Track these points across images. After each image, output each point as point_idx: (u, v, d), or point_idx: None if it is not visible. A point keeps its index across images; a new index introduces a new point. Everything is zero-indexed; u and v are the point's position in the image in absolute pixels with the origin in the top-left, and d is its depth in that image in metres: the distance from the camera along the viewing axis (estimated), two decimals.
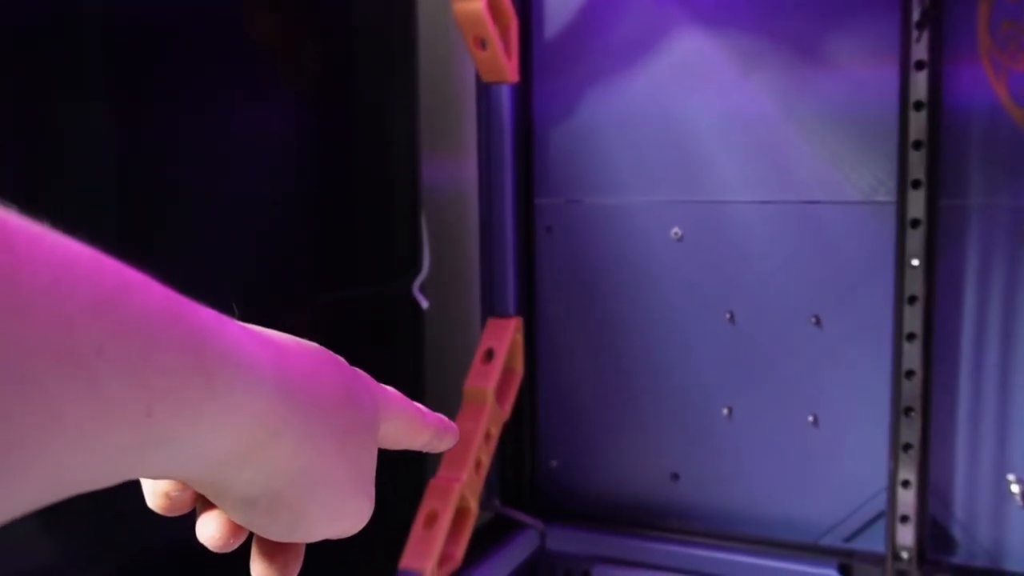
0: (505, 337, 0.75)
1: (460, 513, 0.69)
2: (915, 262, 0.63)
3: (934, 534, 0.67)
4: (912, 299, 0.64)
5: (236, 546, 0.29)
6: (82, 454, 0.18)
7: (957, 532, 0.67)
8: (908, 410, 0.65)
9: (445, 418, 0.34)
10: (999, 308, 0.64)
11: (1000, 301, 0.64)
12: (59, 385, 0.16)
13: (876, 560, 0.67)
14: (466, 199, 0.88)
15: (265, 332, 0.26)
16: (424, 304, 0.76)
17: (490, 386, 0.72)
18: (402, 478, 0.82)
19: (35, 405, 0.16)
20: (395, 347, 0.84)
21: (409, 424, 0.32)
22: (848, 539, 0.70)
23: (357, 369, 0.31)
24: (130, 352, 0.18)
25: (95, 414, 0.17)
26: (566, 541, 0.76)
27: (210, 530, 0.28)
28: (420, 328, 0.84)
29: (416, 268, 0.80)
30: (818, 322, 0.69)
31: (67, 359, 0.17)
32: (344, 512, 0.29)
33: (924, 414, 0.64)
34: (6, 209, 0.16)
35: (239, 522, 0.28)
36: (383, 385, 0.32)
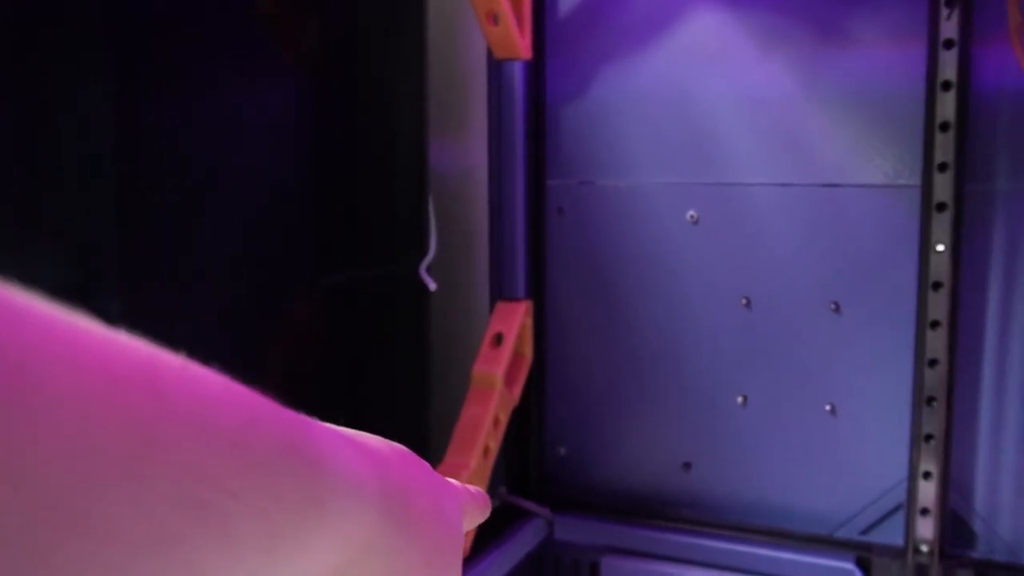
0: (514, 321, 0.73)
1: None
2: (940, 247, 0.61)
3: (954, 528, 0.65)
4: (937, 285, 0.62)
5: None
6: None
7: (978, 526, 0.65)
8: (930, 400, 0.63)
9: (482, 491, 0.33)
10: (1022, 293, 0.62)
11: None
12: (195, 533, 0.16)
13: (895, 553, 0.65)
14: (475, 180, 0.86)
15: (363, 440, 0.25)
16: (431, 286, 0.74)
17: (499, 371, 0.70)
18: None
19: (175, 560, 0.16)
20: (401, 331, 0.82)
21: (473, 513, 0.32)
22: (865, 532, 0.68)
23: (436, 473, 0.30)
24: (257, 491, 0.18)
25: (225, 560, 0.17)
26: (574, 531, 0.75)
27: None
28: (427, 311, 0.82)
29: (423, 250, 0.78)
30: (837, 308, 0.67)
31: (201, 507, 0.16)
32: None
33: (947, 404, 0.62)
34: (148, 343, 0.16)
35: None
36: (451, 480, 0.31)
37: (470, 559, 0.68)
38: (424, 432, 0.82)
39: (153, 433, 0.15)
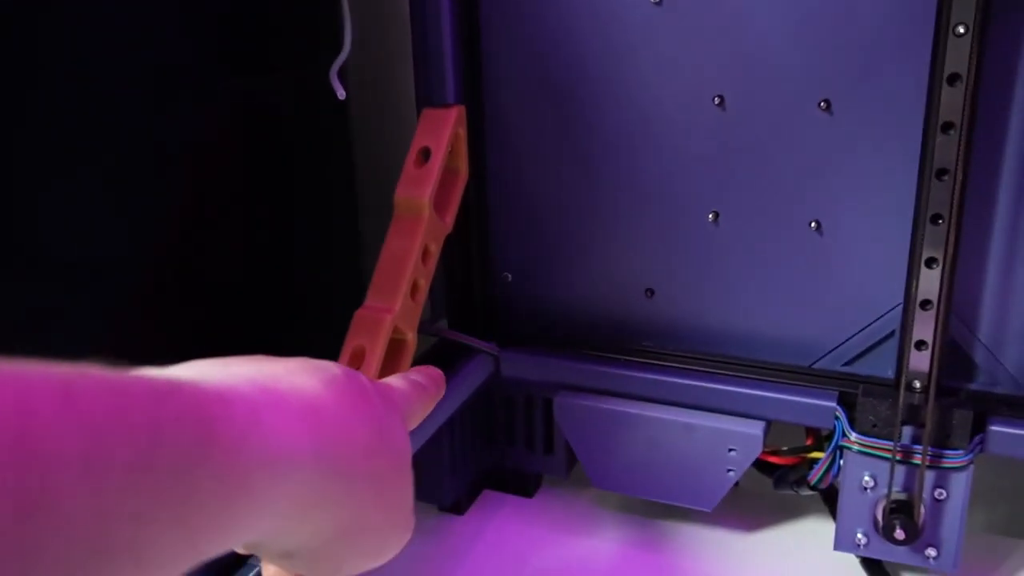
0: (443, 132, 0.61)
1: (394, 347, 0.58)
2: (961, 29, 0.49)
3: (952, 359, 0.57)
4: (954, 78, 0.50)
5: None
6: None
7: (979, 357, 0.57)
8: (936, 217, 0.52)
9: (432, 370, 0.35)
10: None
11: None
12: (105, 570, 0.15)
13: (883, 389, 0.57)
14: None
15: (289, 388, 0.24)
16: (340, 93, 0.61)
17: (426, 194, 0.59)
18: (338, 309, 0.71)
19: None
20: (318, 149, 0.70)
21: (422, 407, 0.33)
22: (849, 363, 0.60)
23: (377, 383, 0.30)
24: (171, 504, 0.17)
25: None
26: (524, 367, 0.67)
27: (269, 573, 0.29)
28: (346, 125, 0.70)
29: (336, 49, 0.65)
30: (828, 107, 0.55)
31: (105, 548, 0.15)
32: (384, 548, 0.29)
33: (956, 223, 0.52)
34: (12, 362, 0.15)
35: (280, 568, 0.28)
36: (389, 384, 0.32)
37: None
38: (356, 271, 0.72)
39: (32, 495, 0.14)
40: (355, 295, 0.61)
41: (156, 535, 0.17)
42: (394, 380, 0.34)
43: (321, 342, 0.68)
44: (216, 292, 0.62)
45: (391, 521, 0.28)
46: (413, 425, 0.34)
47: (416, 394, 0.33)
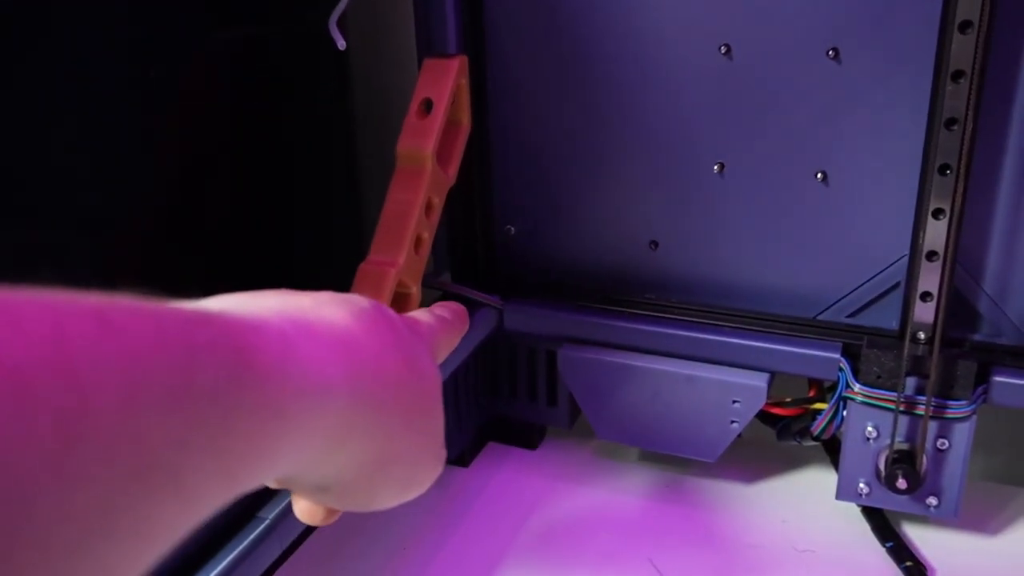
0: (446, 83, 0.60)
1: (399, 300, 0.58)
2: None
3: (957, 310, 0.57)
4: (965, 25, 0.49)
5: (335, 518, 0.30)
6: (166, 533, 0.17)
7: (984, 308, 0.57)
8: (944, 168, 0.52)
9: (456, 305, 0.35)
10: None
11: None
12: (144, 500, 0.15)
13: (888, 341, 0.57)
14: None
15: (322, 319, 0.24)
16: (340, 44, 0.60)
17: (429, 146, 0.59)
18: (336, 261, 0.71)
19: (123, 534, 0.15)
20: (317, 101, 0.69)
21: (448, 341, 0.33)
22: (853, 315, 0.60)
23: (404, 316, 0.29)
24: (209, 430, 0.17)
25: (183, 511, 0.17)
26: (528, 320, 0.66)
27: (300, 508, 0.29)
28: (345, 75, 0.69)
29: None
30: (836, 55, 0.54)
31: (145, 473, 0.15)
32: (416, 479, 0.29)
33: (965, 173, 0.51)
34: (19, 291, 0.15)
35: (313, 502, 0.28)
36: (416, 317, 0.31)
37: None
38: (356, 225, 0.72)
39: (74, 420, 0.14)
40: (356, 248, 0.60)
41: (195, 463, 0.17)
42: (420, 314, 0.33)
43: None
44: (213, 246, 0.61)
45: (423, 452, 0.28)
46: (441, 358, 0.33)
47: (442, 327, 0.33)
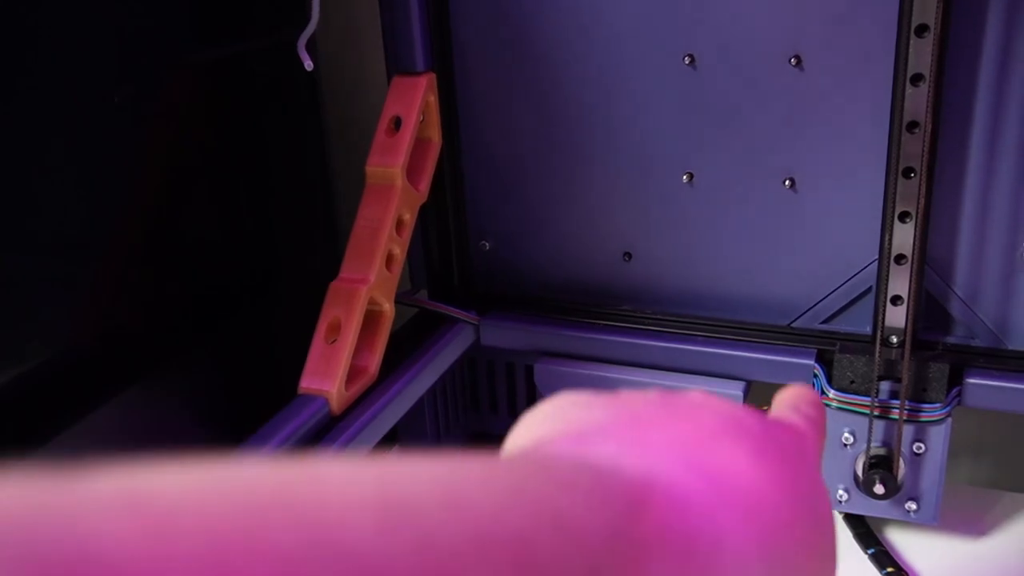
0: (414, 100, 0.60)
1: (371, 318, 0.58)
2: None
3: (929, 313, 0.57)
4: (921, 29, 0.49)
5: None
6: None
7: (955, 310, 0.57)
8: (908, 171, 0.52)
9: (810, 393, 0.30)
10: None
11: None
12: None
13: (860, 346, 0.57)
14: None
15: (725, 470, 0.20)
16: (308, 64, 0.60)
17: (398, 163, 0.59)
18: (310, 279, 0.71)
19: None
20: (289, 120, 0.69)
21: (823, 445, 0.29)
22: (827, 320, 0.60)
23: (787, 427, 0.25)
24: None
25: None
26: (504, 335, 0.66)
27: None
28: (316, 95, 0.70)
29: (303, 19, 0.64)
30: (799, 62, 0.55)
31: None
32: None
33: (928, 176, 0.51)
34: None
35: None
36: (795, 427, 0.26)
37: (386, 378, 0.60)
38: (332, 243, 0.72)
39: None
40: (331, 266, 0.60)
41: None
42: (789, 416, 0.28)
43: (297, 314, 0.68)
44: (189, 264, 0.61)
45: None
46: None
47: (817, 432, 0.28)
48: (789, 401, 0.28)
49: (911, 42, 0.50)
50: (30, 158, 0.49)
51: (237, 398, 0.65)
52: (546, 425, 0.22)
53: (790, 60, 0.55)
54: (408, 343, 0.64)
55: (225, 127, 0.64)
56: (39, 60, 0.49)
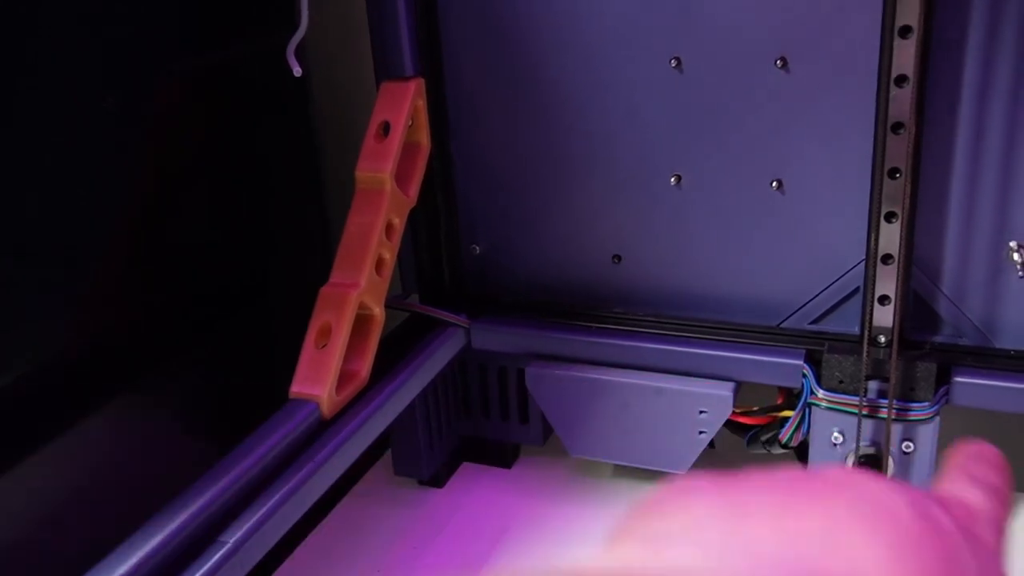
0: (403, 105, 0.61)
1: (361, 323, 0.58)
2: None
3: (916, 313, 0.57)
4: (905, 30, 0.50)
5: None
6: None
7: (943, 310, 0.57)
8: (894, 172, 0.52)
9: (989, 450, 0.24)
10: (1010, 44, 0.50)
11: (1013, 33, 0.50)
12: None
13: (848, 346, 0.57)
14: None
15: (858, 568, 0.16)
16: (297, 71, 0.61)
17: (387, 168, 0.59)
18: (302, 283, 0.71)
19: None
20: (280, 126, 0.69)
21: (1008, 519, 0.23)
22: (816, 321, 0.60)
23: (953, 505, 0.21)
24: None
25: None
26: (495, 338, 0.67)
27: None
28: (308, 100, 0.70)
29: (292, 25, 0.64)
30: (784, 64, 0.55)
31: None
32: None
33: (913, 176, 0.52)
34: None
35: None
36: (965, 502, 0.22)
37: (379, 381, 0.60)
38: (323, 248, 0.72)
39: None
40: (322, 271, 0.61)
41: None
42: (960, 489, 0.23)
43: (290, 319, 0.68)
44: (181, 270, 0.62)
45: None
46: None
47: (1000, 509, 0.22)
48: (960, 466, 0.23)
49: (895, 43, 0.50)
50: (23, 164, 0.49)
51: (229, 403, 0.65)
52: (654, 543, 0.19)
53: (776, 62, 0.55)
54: (399, 347, 0.64)
55: (217, 132, 0.64)
56: (31, 68, 0.49)
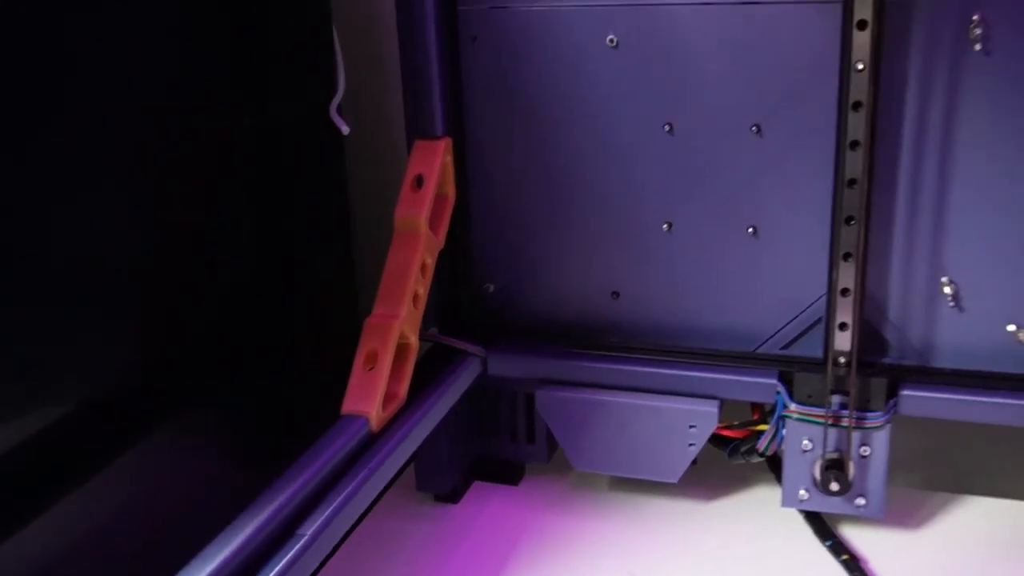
0: (434, 161, 0.71)
1: (401, 350, 0.67)
2: (860, 66, 0.61)
3: (869, 338, 0.68)
4: (857, 105, 0.61)
5: None
6: None
7: (890, 335, 0.68)
8: (849, 219, 0.64)
9: None
10: (940, 114, 0.62)
11: (942, 106, 0.62)
12: None
13: (815, 366, 0.68)
14: (382, 11, 0.81)
15: None
16: (344, 129, 0.71)
17: (422, 214, 0.69)
18: (336, 318, 0.80)
19: None
20: (316, 179, 0.79)
21: None
22: (786, 347, 0.71)
23: None
24: None
25: None
26: (509, 366, 0.76)
27: None
28: (341, 156, 0.79)
29: (331, 89, 0.74)
30: (759, 131, 0.66)
31: None
32: None
33: (865, 224, 0.63)
34: None
35: None
36: None
37: (411, 403, 0.69)
38: (352, 287, 0.81)
39: None
40: (350, 307, 0.68)
41: None
42: None
43: (319, 351, 0.76)
44: (221, 305, 0.68)
45: None
46: None
47: None
48: None
49: (848, 115, 0.62)
50: (73, 205, 0.53)
51: (263, 432, 0.72)
52: None
53: (752, 128, 0.66)
54: (425, 373, 0.73)
55: (259, 182, 0.72)
56: (97, 107, 0.54)
